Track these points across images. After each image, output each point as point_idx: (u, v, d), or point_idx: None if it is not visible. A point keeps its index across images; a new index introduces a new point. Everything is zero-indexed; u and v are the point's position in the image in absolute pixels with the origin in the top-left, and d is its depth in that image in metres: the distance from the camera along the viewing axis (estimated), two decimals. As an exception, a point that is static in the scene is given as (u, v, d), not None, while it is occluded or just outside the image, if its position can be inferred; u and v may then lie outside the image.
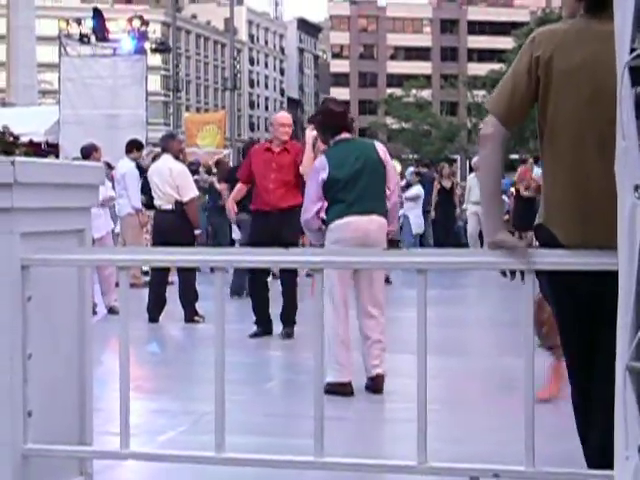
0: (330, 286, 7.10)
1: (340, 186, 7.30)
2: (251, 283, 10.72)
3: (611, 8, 3.22)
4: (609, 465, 2.82)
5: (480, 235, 18.34)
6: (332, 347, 7.16)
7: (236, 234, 15.27)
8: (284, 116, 10.74)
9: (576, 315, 3.40)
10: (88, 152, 12.97)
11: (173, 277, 12.73)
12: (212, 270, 13.46)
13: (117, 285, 12.07)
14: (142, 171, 15.66)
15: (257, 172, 10.14)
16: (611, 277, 2.83)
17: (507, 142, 3.47)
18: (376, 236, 7.23)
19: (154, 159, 16.58)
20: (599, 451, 3.21)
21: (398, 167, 22.60)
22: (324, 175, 7.35)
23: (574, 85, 3.30)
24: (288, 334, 9.96)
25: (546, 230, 3.40)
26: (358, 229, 7.24)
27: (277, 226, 9.72)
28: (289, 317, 10.06)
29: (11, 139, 3.74)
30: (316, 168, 7.53)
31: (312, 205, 7.44)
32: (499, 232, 3.34)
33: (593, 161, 3.25)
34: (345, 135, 7.56)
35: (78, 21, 24.46)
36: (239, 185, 10.78)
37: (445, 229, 21.24)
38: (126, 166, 14.72)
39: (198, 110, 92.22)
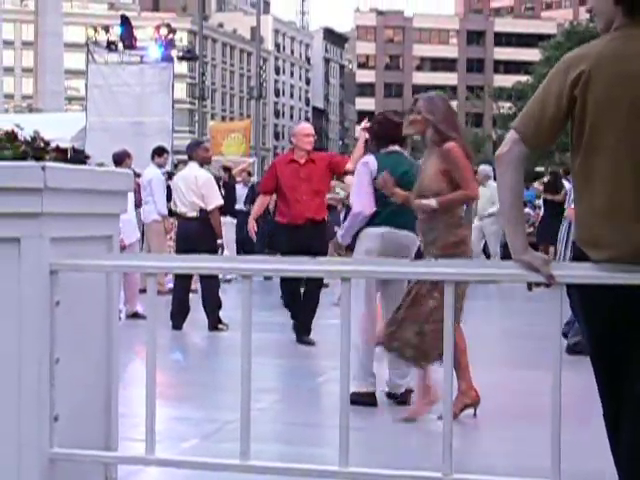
0: (361, 296, 7.10)
1: (380, 194, 7.21)
2: (285, 294, 10.78)
3: None
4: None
5: (484, 250, 18.08)
6: (361, 357, 7.13)
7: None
8: (307, 127, 10.78)
9: (605, 332, 3.37)
10: (121, 158, 12.99)
11: (196, 284, 12.75)
12: (229, 281, 13.34)
13: (141, 291, 12.14)
14: (170, 177, 15.77)
15: (285, 184, 10.14)
16: None
17: (526, 159, 3.43)
18: (409, 252, 7.23)
19: (176, 166, 16.64)
20: (629, 471, 3.18)
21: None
22: (373, 174, 7.28)
23: (613, 107, 3.24)
24: (310, 342, 9.98)
25: (578, 249, 3.38)
26: (392, 241, 7.25)
27: (309, 238, 9.71)
28: (310, 325, 10.10)
29: (42, 145, 3.76)
30: (367, 163, 7.39)
31: (369, 199, 7.28)
32: (526, 252, 3.33)
33: (629, 184, 3.22)
34: (397, 147, 7.51)
35: (106, 28, 24.61)
36: (261, 198, 10.81)
37: None
38: (152, 172, 14.76)
39: (223, 118, 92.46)
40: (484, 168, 18.19)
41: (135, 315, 12.07)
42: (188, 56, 33.57)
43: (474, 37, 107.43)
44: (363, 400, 7.01)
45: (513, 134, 3.38)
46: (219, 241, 11.45)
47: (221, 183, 17.07)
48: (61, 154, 3.81)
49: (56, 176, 3.51)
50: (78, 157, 3.88)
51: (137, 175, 14.55)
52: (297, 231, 9.93)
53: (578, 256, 3.37)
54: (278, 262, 3.89)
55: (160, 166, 15.10)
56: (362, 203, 7.33)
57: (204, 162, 11.80)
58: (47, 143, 3.79)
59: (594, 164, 3.31)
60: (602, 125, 3.26)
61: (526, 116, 3.39)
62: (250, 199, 18.01)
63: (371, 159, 7.42)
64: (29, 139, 3.76)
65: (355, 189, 7.50)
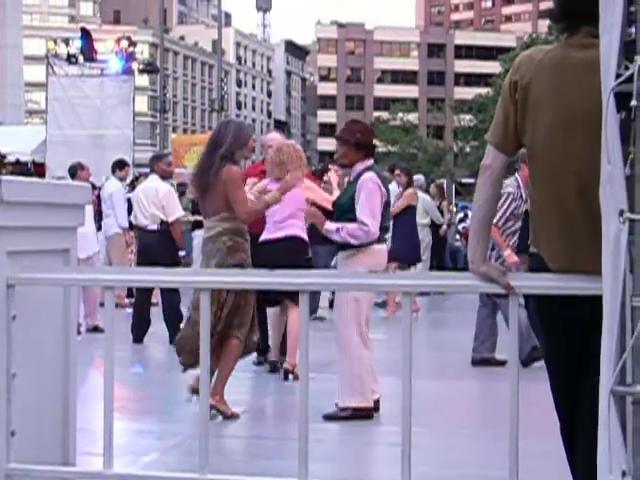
0: (357, 312, 7.11)
1: (383, 211, 7.29)
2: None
3: (587, 33, 3.26)
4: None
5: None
6: (359, 372, 7.08)
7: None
8: (277, 137, 10.37)
9: (560, 344, 3.39)
10: (74, 170, 13.00)
11: (157, 298, 12.69)
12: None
13: (101, 305, 12.09)
14: (134, 187, 15.71)
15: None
16: (599, 304, 2.82)
17: (504, 168, 3.47)
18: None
19: (137, 179, 16.56)
20: (585, 477, 3.20)
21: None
22: (383, 195, 7.27)
23: (547, 113, 3.29)
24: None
25: (536, 255, 3.41)
26: (385, 257, 7.40)
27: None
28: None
29: (-2, 158, 3.74)
30: (377, 183, 7.28)
31: (378, 222, 7.24)
32: (484, 263, 3.34)
33: (570, 187, 3.25)
34: (372, 160, 7.50)
35: (66, 41, 24.55)
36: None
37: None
38: (113, 186, 14.71)
39: (185, 131, 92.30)
40: (418, 178, 18.49)
41: (96, 329, 12.00)
42: (149, 69, 33.50)
43: (435, 50, 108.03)
44: (364, 415, 7.01)
45: (489, 145, 3.43)
46: (181, 253, 11.42)
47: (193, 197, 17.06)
48: (19, 167, 3.79)
49: (12, 189, 3.48)
50: (28, 171, 3.85)
51: (95, 188, 14.51)
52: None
53: (536, 264, 3.39)
54: (239, 275, 3.88)
55: (121, 179, 15.05)
56: (375, 226, 7.18)
57: (165, 175, 11.80)
58: (3, 156, 3.76)
59: (537, 172, 3.38)
60: (539, 136, 3.32)
61: (493, 125, 3.45)
62: None
63: (377, 179, 7.31)
64: (-15, 152, 3.74)
65: (368, 209, 7.18)
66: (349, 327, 7.06)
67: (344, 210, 7.26)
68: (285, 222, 8.98)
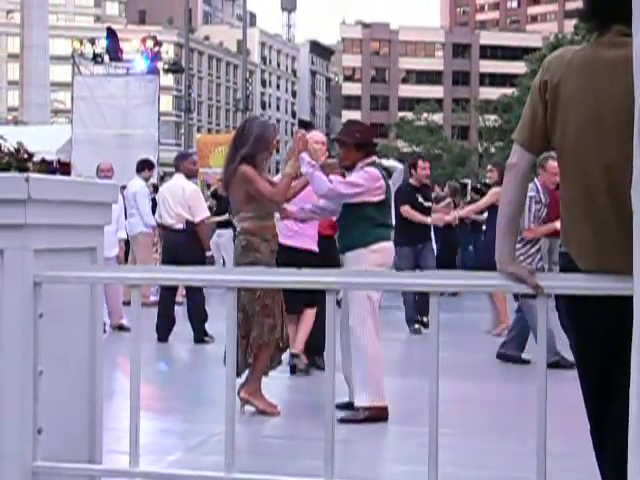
0: (370, 311, 7.06)
1: (386, 208, 7.27)
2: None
3: (617, 32, 3.23)
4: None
5: None
6: (372, 372, 7.03)
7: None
8: (318, 135, 9.77)
9: (594, 344, 3.36)
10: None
11: (182, 297, 12.71)
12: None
13: (126, 304, 12.10)
14: (156, 189, 15.67)
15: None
16: (629, 304, 2.79)
17: (531, 167, 3.46)
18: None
19: (162, 178, 16.50)
20: (615, 478, 3.17)
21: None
22: (382, 193, 7.20)
23: (578, 112, 3.27)
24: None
25: (566, 255, 3.39)
26: (393, 255, 7.36)
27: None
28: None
29: (25, 156, 3.73)
30: (376, 174, 7.21)
31: (347, 192, 7.14)
32: (512, 263, 3.32)
33: (600, 186, 3.22)
34: (374, 157, 7.46)
35: (92, 41, 24.64)
36: None
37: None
38: (137, 184, 14.71)
39: (209, 131, 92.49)
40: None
41: (120, 328, 12.03)
42: (174, 69, 33.64)
43: (460, 50, 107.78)
44: (380, 415, 6.97)
45: (515, 144, 3.43)
46: (208, 253, 11.40)
47: (217, 194, 17.08)
48: (45, 166, 3.79)
49: (40, 187, 3.48)
50: (53, 170, 3.85)
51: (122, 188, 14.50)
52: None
53: (566, 265, 3.37)
54: (266, 274, 3.87)
55: (146, 180, 15.07)
56: (339, 191, 7.11)
57: (190, 174, 11.78)
58: (31, 154, 3.76)
59: (568, 172, 3.36)
60: (569, 135, 3.30)
61: (520, 124, 3.44)
62: None
63: (377, 172, 7.26)
64: (12, 150, 3.74)
65: (349, 181, 7.16)
66: (364, 326, 7.02)
67: (348, 210, 7.25)
68: (297, 226, 8.84)
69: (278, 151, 9.57)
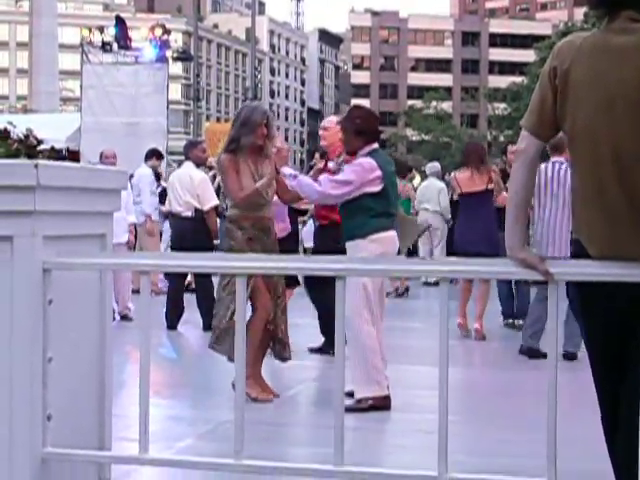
0: (366, 299, 6.97)
1: (386, 197, 7.10)
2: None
3: (627, 17, 3.22)
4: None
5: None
6: (372, 361, 6.99)
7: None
8: (333, 120, 9.51)
9: (604, 329, 3.35)
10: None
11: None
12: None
13: (134, 292, 12.08)
14: (159, 178, 15.61)
15: None
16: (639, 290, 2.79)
17: (539, 153, 3.44)
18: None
19: (180, 165, 16.41)
20: (626, 464, 3.17)
21: (417, 179, 22.52)
22: (379, 182, 7.06)
23: (588, 97, 3.26)
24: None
25: (577, 242, 3.38)
26: (395, 244, 7.16)
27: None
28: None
29: (34, 142, 3.73)
30: (371, 165, 7.05)
31: (339, 192, 7.04)
32: (522, 250, 3.31)
33: (611, 171, 3.21)
34: (376, 145, 7.28)
35: (100, 29, 24.58)
36: None
37: None
38: (142, 172, 14.70)
39: (218, 120, 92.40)
40: (434, 165, 18.62)
41: (124, 317, 12.01)
42: (183, 57, 33.58)
43: (469, 38, 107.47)
44: (382, 404, 6.96)
45: (523, 130, 3.42)
46: (215, 242, 11.41)
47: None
48: (55, 153, 3.79)
49: (49, 174, 3.48)
50: (62, 158, 3.84)
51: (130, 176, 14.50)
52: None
53: (577, 251, 3.36)
54: (275, 260, 3.86)
55: (153, 168, 15.05)
56: (328, 194, 7.04)
57: (200, 162, 11.76)
58: (40, 141, 3.76)
59: (578, 158, 3.35)
60: (579, 121, 3.28)
61: (529, 110, 3.43)
62: None
63: (373, 163, 7.06)
64: (22, 137, 3.74)
65: (340, 179, 7.04)
66: (360, 316, 6.92)
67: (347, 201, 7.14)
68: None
69: (268, 138, 9.15)
